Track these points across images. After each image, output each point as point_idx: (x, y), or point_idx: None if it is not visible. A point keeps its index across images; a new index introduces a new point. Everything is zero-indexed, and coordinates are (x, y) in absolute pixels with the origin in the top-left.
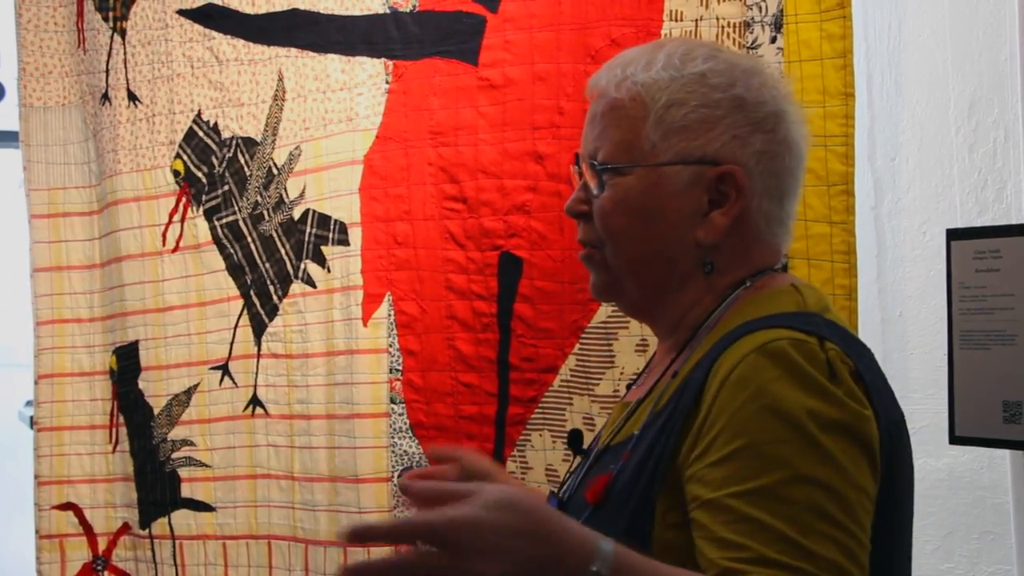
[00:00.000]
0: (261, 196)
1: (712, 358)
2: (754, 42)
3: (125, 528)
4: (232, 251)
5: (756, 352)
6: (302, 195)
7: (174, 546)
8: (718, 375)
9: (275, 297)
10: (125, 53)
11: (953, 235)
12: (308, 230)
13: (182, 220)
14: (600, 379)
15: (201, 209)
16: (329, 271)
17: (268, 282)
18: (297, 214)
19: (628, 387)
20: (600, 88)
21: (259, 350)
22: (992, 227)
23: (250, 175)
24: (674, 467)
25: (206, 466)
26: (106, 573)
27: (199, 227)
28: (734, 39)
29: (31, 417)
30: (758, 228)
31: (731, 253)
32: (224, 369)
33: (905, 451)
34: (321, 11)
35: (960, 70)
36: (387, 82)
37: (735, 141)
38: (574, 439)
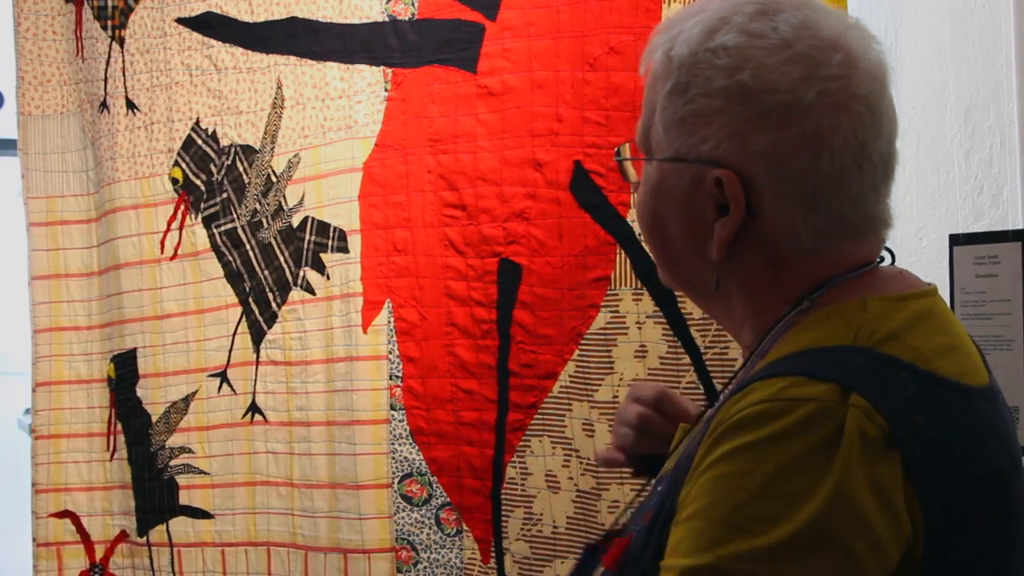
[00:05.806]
0: (260, 204)
1: (724, 401)
2: None
3: (122, 536)
4: (231, 259)
5: (748, 409)
6: (301, 202)
7: (172, 553)
8: (715, 424)
9: (274, 304)
10: (124, 61)
11: (955, 241)
12: (307, 237)
13: (180, 228)
14: (599, 385)
15: (199, 217)
16: (328, 278)
17: (267, 289)
18: (296, 221)
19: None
20: (647, 54)
21: (258, 357)
22: (993, 232)
23: (249, 183)
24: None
25: (204, 473)
26: None
27: (197, 235)
28: None
29: (30, 425)
30: (778, 243)
31: (758, 269)
32: (223, 376)
33: (1008, 506)
34: (320, 19)
35: (956, 76)
36: (386, 90)
37: (733, 140)
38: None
